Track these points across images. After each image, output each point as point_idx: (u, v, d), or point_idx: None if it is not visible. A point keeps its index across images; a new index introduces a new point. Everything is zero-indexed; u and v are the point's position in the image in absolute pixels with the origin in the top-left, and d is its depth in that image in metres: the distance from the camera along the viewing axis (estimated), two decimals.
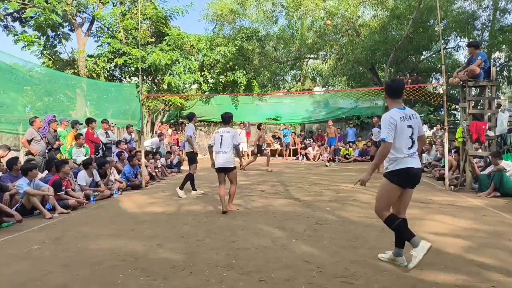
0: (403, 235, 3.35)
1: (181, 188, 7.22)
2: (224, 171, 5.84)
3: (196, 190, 7.59)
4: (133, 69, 14.68)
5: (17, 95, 9.43)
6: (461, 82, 7.79)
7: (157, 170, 10.00)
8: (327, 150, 15.16)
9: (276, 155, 16.37)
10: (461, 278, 3.12)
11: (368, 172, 3.37)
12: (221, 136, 5.82)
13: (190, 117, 7.89)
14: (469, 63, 7.77)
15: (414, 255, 3.18)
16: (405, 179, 3.31)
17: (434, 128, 15.09)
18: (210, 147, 5.95)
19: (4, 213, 5.12)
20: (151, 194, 7.62)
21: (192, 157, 7.44)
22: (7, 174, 6.26)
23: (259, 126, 12.90)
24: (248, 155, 15.25)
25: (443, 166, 8.36)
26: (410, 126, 3.33)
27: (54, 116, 8.40)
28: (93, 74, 14.12)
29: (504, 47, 16.57)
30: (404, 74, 17.42)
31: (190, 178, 7.35)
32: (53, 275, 3.33)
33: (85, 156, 8.40)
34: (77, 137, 8.66)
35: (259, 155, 12.22)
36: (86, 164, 7.38)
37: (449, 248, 3.89)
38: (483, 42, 16.37)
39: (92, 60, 14.21)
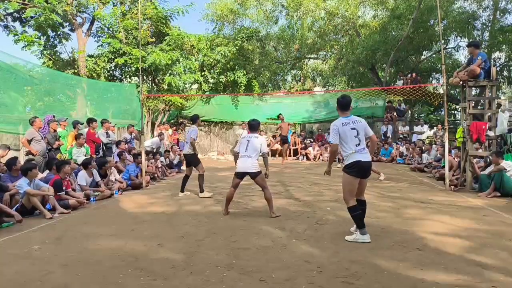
0: (356, 223, 4.19)
1: (201, 191, 7.18)
2: (248, 176, 5.54)
3: (183, 192, 7.39)
4: (133, 69, 14.66)
5: (17, 95, 9.43)
6: (461, 82, 7.78)
7: (158, 171, 9.99)
8: (327, 150, 15.15)
9: (277, 155, 16.36)
10: (461, 278, 3.12)
11: (328, 165, 4.52)
12: (248, 141, 5.55)
13: (194, 119, 7.54)
14: (469, 63, 7.76)
15: (354, 234, 4.23)
16: (358, 170, 4.12)
17: (435, 128, 15.07)
18: (236, 153, 5.72)
19: (4, 213, 5.11)
20: (151, 194, 7.62)
21: (194, 159, 7.26)
22: (7, 174, 6.26)
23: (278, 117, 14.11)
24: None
25: (443, 166, 8.36)
26: (354, 128, 4.18)
27: (54, 116, 8.41)
28: (94, 74, 14.10)
29: (504, 47, 16.56)
30: (404, 74, 17.43)
31: (201, 178, 7.21)
32: (53, 275, 3.33)
33: (85, 156, 8.39)
34: (77, 137, 8.66)
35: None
36: (85, 164, 7.38)
37: (449, 248, 3.89)
38: (483, 42, 16.36)
39: (92, 60, 14.19)
